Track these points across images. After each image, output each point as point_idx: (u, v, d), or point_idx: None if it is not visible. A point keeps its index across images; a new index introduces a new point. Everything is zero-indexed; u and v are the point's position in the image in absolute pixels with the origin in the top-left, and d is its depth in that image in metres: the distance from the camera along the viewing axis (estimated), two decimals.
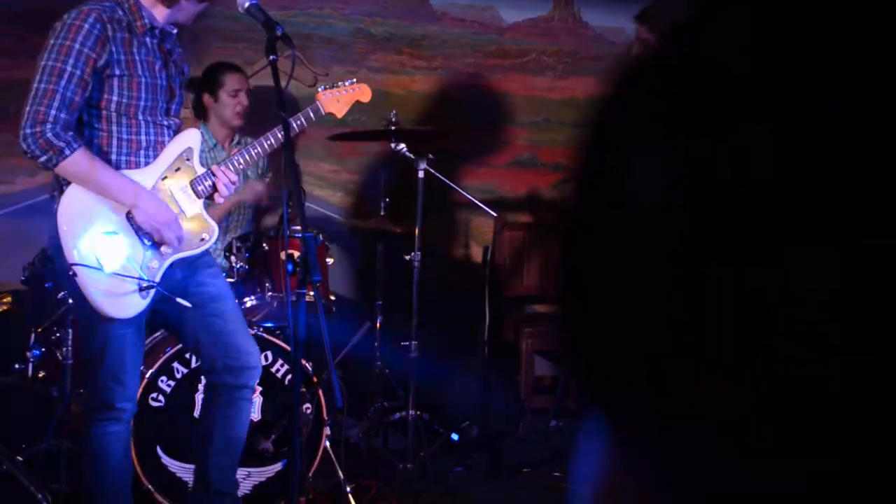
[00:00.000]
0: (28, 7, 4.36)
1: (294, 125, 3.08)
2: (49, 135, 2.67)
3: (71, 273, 2.75)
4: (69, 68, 2.71)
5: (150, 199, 2.86)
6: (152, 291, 2.86)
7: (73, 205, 2.82)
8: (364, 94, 3.46)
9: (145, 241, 2.89)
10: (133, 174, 2.86)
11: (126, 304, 2.84)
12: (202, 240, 3.00)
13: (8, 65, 4.35)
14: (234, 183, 3.04)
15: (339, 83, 3.40)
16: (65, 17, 2.76)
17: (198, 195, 2.98)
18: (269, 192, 4.35)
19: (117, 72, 2.78)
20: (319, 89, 3.35)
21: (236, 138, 4.28)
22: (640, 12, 3.51)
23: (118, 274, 2.81)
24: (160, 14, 2.87)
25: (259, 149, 3.07)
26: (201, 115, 4.22)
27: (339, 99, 3.36)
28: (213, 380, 3.08)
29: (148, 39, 2.86)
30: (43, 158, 2.69)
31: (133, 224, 2.87)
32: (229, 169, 3.03)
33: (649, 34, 3.44)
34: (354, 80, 3.45)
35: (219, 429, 3.05)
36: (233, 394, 3.05)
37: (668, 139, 0.37)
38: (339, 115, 3.40)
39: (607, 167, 0.39)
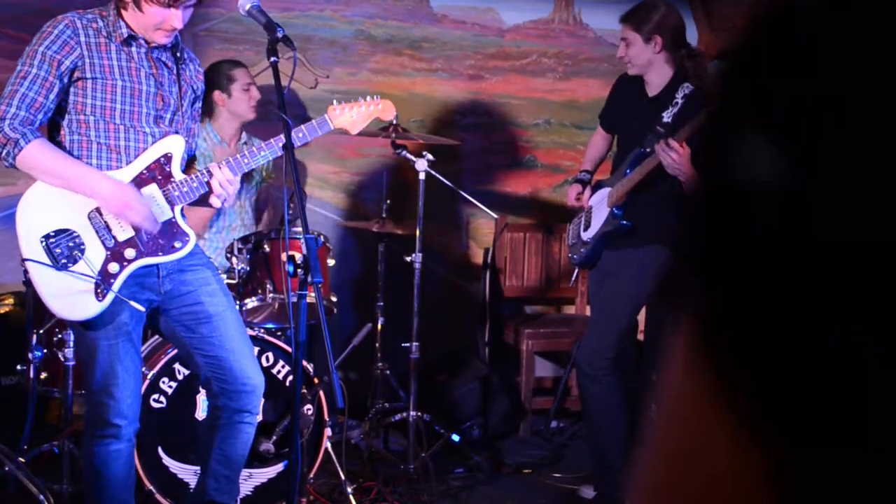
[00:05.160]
0: (29, 10, 4.37)
1: (295, 138, 2.94)
2: (6, 129, 2.71)
3: (23, 269, 2.75)
4: (34, 70, 2.76)
5: (108, 183, 2.80)
6: (110, 295, 2.79)
7: (34, 201, 2.82)
8: (386, 111, 3.27)
9: (107, 243, 2.84)
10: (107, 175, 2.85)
11: (76, 304, 2.79)
12: (174, 247, 2.91)
13: (10, 67, 4.36)
14: (230, 182, 2.91)
15: (360, 98, 3.21)
16: (44, 25, 2.82)
17: (171, 202, 2.90)
18: (267, 192, 4.37)
19: (89, 74, 2.79)
20: (333, 103, 3.17)
21: (243, 137, 4.25)
22: (625, 13, 3.58)
23: (69, 272, 2.78)
24: (133, 22, 2.83)
25: (266, 153, 2.97)
26: (207, 113, 4.19)
27: (353, 115, 3.16)
28: (211, 402, 3.05)
29: (133, 49, 2.86)
30: (3, 153, 2.73)
31: (95, 224, 2.84)
32: (228, 169, 2.92)
33: (633, 34, 3.52)
34: (378, 96, 3.26)
35: (217, 447, 3.03)
36: (232, 417, 3.01)
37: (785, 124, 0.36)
38: (353, 131, 3.21)
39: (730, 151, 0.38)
